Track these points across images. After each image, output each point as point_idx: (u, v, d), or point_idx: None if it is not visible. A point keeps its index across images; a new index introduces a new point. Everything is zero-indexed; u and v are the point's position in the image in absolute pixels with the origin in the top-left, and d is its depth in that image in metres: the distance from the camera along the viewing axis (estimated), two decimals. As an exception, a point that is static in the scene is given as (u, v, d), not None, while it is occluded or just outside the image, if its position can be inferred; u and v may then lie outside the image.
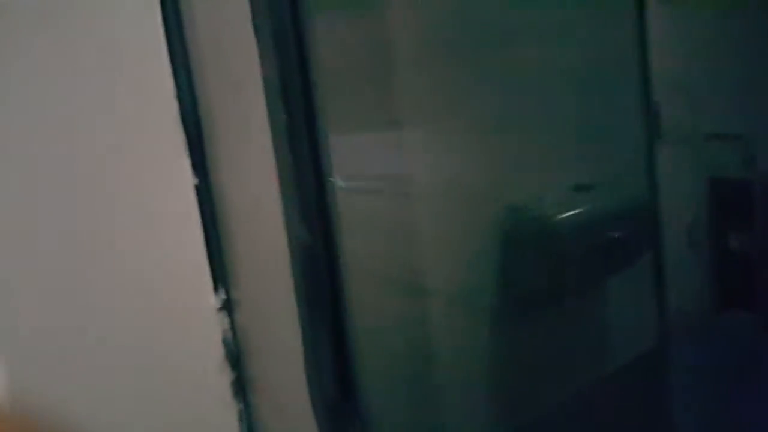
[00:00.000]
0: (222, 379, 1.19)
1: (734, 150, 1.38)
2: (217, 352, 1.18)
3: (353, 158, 1.09)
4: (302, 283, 1.02)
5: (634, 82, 1.38)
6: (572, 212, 1.05)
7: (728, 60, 1.38)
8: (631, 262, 1.08)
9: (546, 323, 1.04)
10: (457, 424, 0.97)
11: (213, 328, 1.18)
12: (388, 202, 1.08)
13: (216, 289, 1.18)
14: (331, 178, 0.93)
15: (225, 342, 1.18)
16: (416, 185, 1.10)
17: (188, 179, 1.15)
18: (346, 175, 1.02)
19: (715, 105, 1.48)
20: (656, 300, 1.04)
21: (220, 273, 1.17)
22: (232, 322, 1.19)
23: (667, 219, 1.04)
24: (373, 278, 1.06)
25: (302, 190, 0.94)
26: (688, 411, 0.98)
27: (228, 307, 1.18)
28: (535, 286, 1.01)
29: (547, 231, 1.00)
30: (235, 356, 1.19)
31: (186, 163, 1.14)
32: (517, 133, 1.21)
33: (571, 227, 1.02)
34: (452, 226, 1.07)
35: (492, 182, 1.12)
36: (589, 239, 1.03)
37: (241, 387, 1.19)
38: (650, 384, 1.03)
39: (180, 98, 1.11)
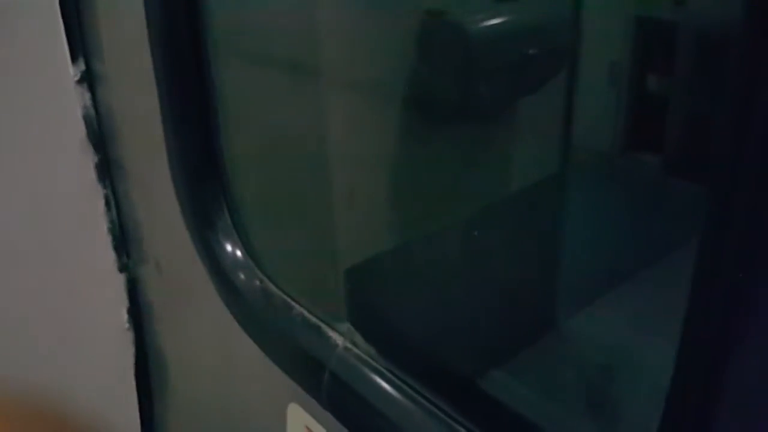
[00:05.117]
0: (85, 160, 1.07)
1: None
2: (79, 130, 1.06)
3: None
4: (159, 43, 0.88)
5: None
6: (490, 22, 0.93)
7: None
8: (543, 87, 0.97)
9: (448, 136, 0.94)
10: (330, 213, 0.88)
11: (73, 103, 1.05)
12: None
13: (74, 58, 1.03)
14: None
15: (86, 119, 1.05)
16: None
17: None
18: None
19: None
20: (563, 130, 0.94)
21: (79, 38, 1.02)
22: (94, 98, 1.06)
23: (589, 51, 0.92)
24: (249, 46, 0.93)
25: None
26: (577, 243, 0.91)
27: (89, 79, 1.05)
28: (444, 95, 0.90)
29: (462, 38, 0.88)
30: (98, 135, 1.06)
31: None
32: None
33: (486, 38, 0.90)
34: (357, 21, 0.93)
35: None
36: (504, 54, 0.92)
37: (106, 169, 1.08)
38: (542, 214, 0.95)
39: None
